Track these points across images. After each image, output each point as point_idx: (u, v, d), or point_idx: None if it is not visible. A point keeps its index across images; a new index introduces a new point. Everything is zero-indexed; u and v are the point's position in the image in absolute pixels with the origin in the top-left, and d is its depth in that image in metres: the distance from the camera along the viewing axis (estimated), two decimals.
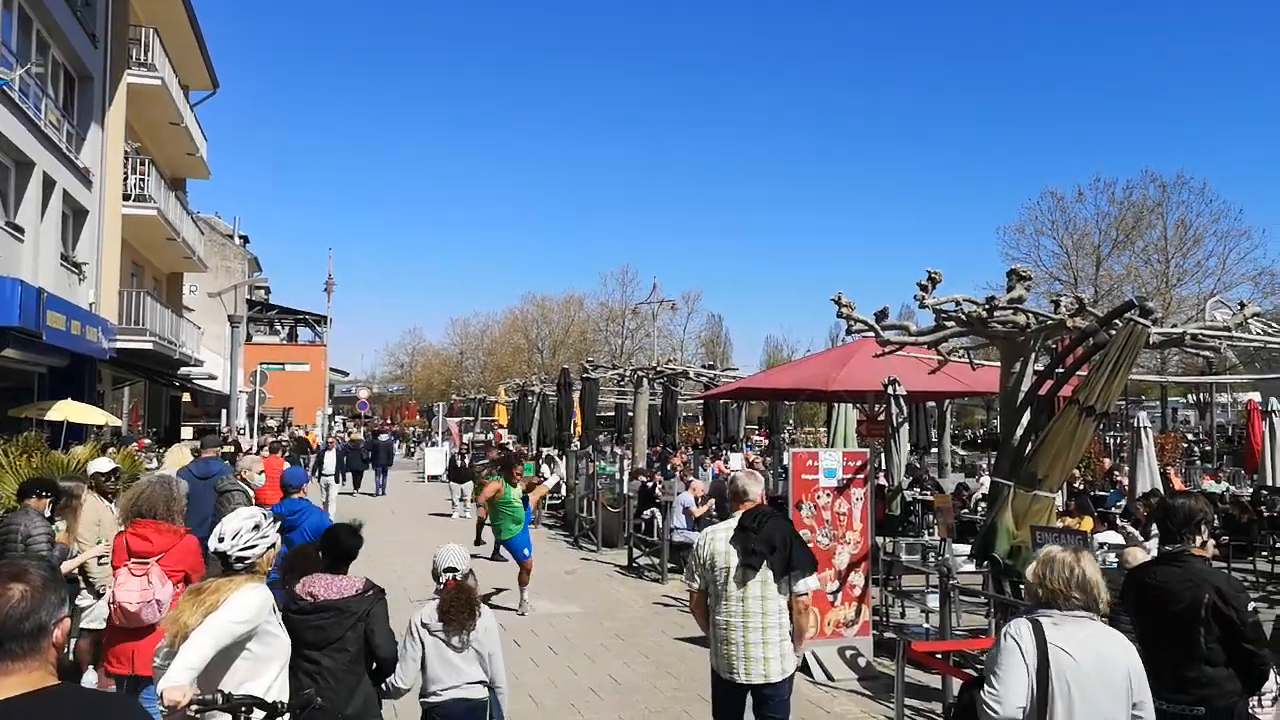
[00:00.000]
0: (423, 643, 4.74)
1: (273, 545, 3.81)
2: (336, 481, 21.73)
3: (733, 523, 5.23)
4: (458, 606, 4.75)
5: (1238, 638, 4.05)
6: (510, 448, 22.64)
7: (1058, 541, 6.85)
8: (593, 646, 9.44)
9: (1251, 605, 4.13)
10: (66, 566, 6.82)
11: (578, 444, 21.09)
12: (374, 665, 4.41)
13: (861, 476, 8.90)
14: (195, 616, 3.46)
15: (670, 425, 22.81)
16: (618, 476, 18.02)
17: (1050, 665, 3.40)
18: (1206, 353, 9.69)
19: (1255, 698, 4.49)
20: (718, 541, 5.19)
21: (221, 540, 3.69)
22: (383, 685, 4.52)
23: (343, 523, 5.22)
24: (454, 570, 4.93)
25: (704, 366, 24.68)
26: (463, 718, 4.72)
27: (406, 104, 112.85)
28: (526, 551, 11.06)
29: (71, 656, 7.00)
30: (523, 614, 10.72)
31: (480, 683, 4.78)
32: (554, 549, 16.17)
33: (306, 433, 37.59)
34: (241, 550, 3.68)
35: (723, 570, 5.11)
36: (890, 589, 10.44)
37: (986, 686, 3.49)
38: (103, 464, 8.30)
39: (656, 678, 8.32)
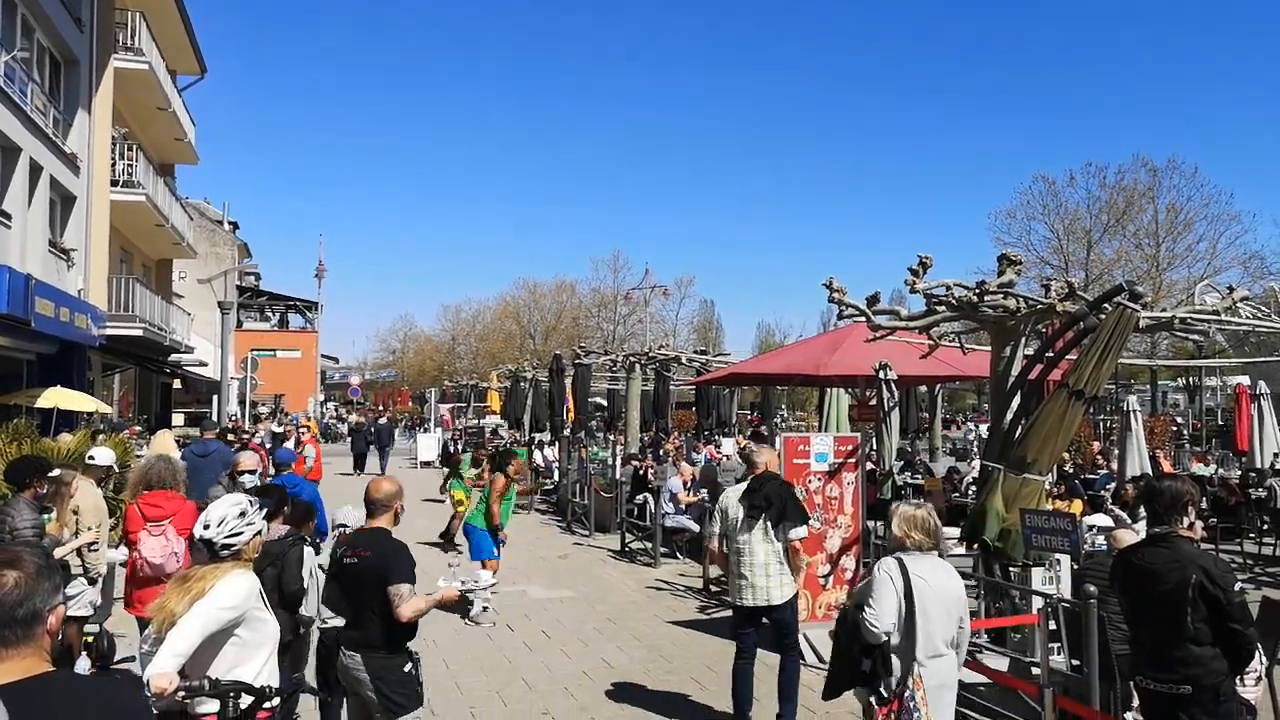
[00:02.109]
0: (317, 580, 5.55)
1: (259, 532, 3.79)
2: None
3: (744, 485, 6.69)
4: None
5: (1224, 617, 4.08)
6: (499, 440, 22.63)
7: (1047, 524, 6.94)
8: (585, 631, 9.47)
9: (1238, 586, 4.16)
10: (58, 554, 6.78)
11: (573, 431, 21.07)
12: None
13: (853, 461, 8.93)
14: (182, 604, 3.44)
15: (663, 411, 22.84)
16: (610, 462, 18.06)
17: (913, 590, 4.40)
18: (1195, 336, 9.72)
19: (1240, 676, 4.54)
20: (730, 498, 6.73)
21: (207, 528, 3.66)
22: (299, 615, 5.36)
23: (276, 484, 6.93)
24: (344, 526, 5.94)
25: (696, 352, 24.64)
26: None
27: (396, 89, 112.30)
28: (498, 553, 10.37)
29: (62, 642, 6.99)
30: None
31: None
32: (546, 534, 16.22)
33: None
34: (227, 538, 3.65)
35: (734, 520, 6.61)
36: None
37: (866, 609, 4.44)
38: (106, 454, 8.21)
39: (649, 661, 8.36)
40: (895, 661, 4.41)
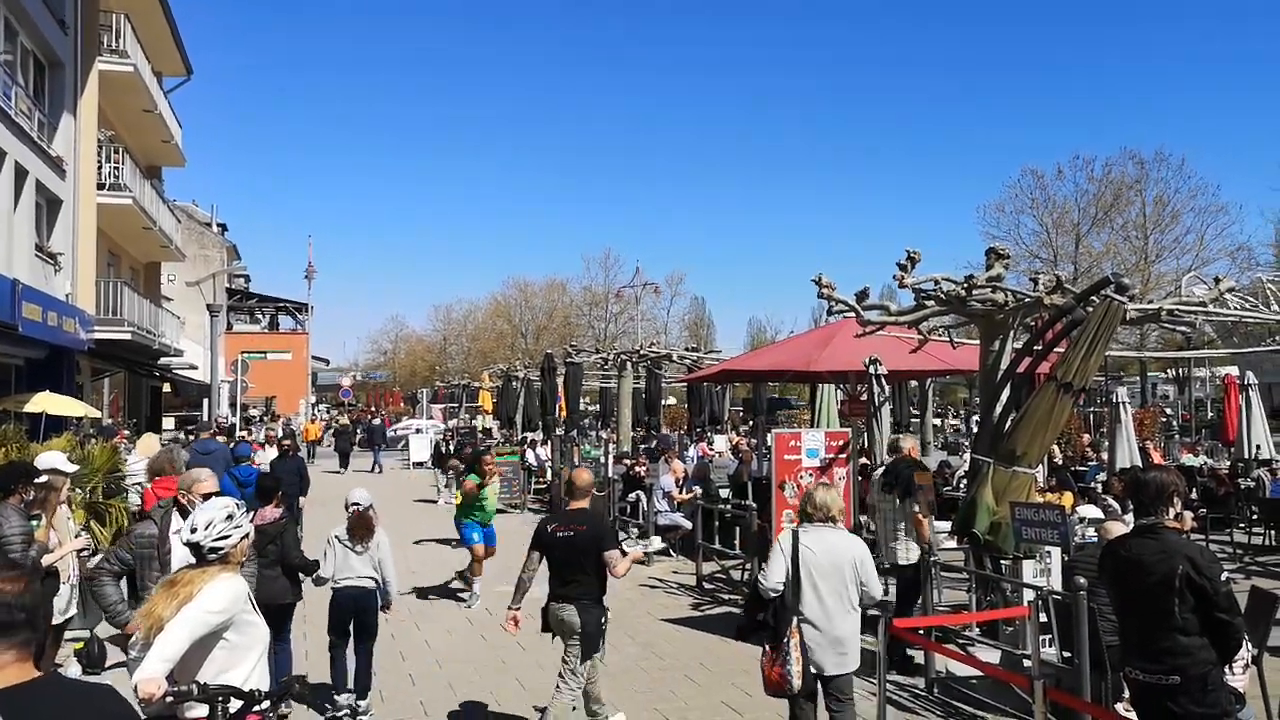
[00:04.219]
0: (335, 548, 6.93)
1: (246, 535, 3.76)
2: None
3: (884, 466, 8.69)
4: (358, 528, 6.99)
5: (1211, 607, 4.08)
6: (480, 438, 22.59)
7: (1036, 517, 6.97)
8: None
9: (1224, 575, 4.17)
10: (47, 560, 6.71)
11: (562, 429, 21.06)
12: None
13: (844, 456, 8.94)
14: (169, 608, 3.42)
15: (654, 408, 22.84)
16: (602, 460, 18.04)
17: (799, 557, 5.31)
18: (1182, 328, 9.76)
19: (1228, 664, 4.55)
20: (875, 476, 8.99)
21: (194, 531, 3.63)
22: (314, 576, 6.76)
23: (265, 473, 8.06)
24: (357, 504, 7.09)
25: (687, 349, 24.66)
26: (354, 599, 6.90)
27: (385, 89, 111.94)
28: (476, 537, 10.88)
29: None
30: (469, 606, 10.45)
31: (370, 578, 6.92)
32: None
33: (312, 423, 38.31)
34: (215, 541, 3.62)
35: (877, 493, 8.61)
36: None
37: (760, 571, 5.54)
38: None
39: (643, 659, 8.36)
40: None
